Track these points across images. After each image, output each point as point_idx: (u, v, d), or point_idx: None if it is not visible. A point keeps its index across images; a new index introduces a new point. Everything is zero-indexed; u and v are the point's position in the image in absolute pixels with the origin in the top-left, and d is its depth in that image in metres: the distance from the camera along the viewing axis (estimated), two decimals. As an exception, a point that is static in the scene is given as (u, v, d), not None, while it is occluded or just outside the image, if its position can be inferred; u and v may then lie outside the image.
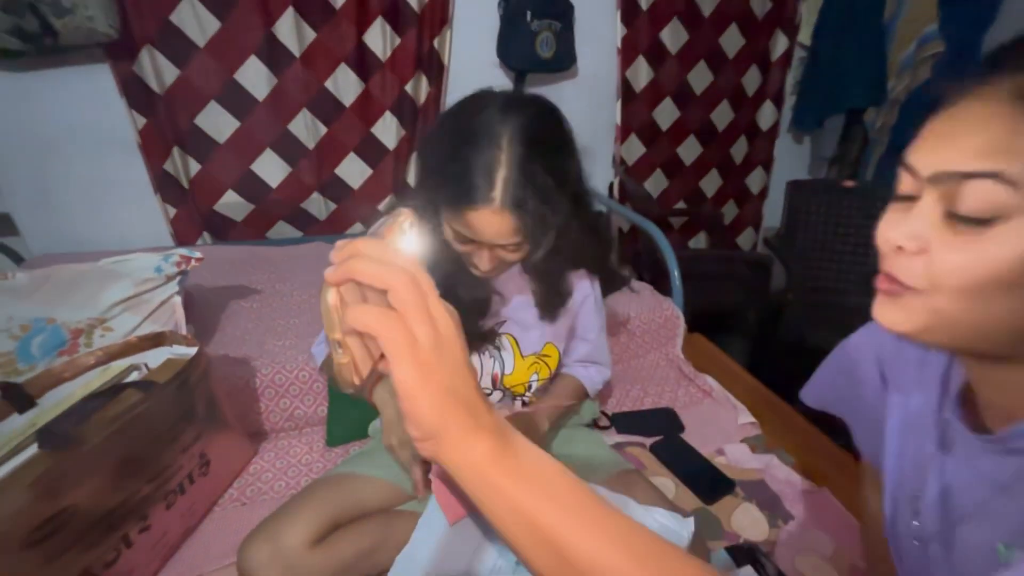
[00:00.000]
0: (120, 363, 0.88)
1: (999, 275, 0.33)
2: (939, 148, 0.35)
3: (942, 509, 0.46)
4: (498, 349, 0.82)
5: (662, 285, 1.46)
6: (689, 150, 2.20)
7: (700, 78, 2.09)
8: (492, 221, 0.62)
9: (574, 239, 0.72)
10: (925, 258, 0.36)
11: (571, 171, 0.68)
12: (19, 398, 0.78)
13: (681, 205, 2.31)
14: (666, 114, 2.09)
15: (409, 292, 0.30)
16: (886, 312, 0.39)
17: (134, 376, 0.85)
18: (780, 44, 2.17)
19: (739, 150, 2.30)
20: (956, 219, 0.34)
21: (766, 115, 2.27)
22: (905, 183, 0.37)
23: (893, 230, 0.37)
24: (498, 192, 0.61)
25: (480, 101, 0.65)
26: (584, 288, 0.86)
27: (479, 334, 0.80)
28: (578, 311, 0.87)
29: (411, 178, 1.86)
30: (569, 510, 0.32)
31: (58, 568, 0.63)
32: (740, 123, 2.25)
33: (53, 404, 0.81)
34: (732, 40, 2.09)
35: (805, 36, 2.17)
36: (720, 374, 1.26)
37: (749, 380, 1.23)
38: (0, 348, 0.93)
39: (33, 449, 0.69)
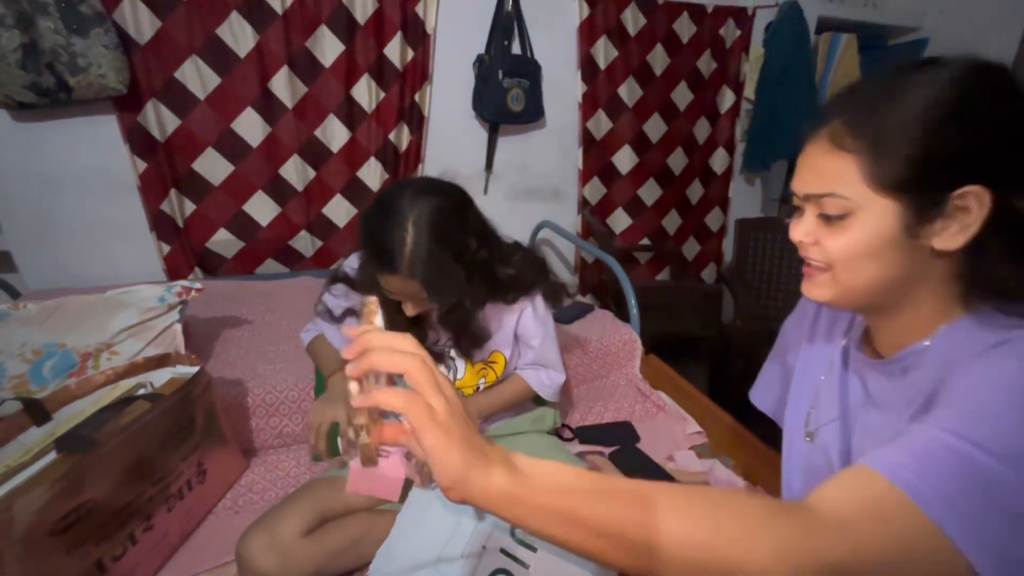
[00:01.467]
0: (128, 382, 0.97)
1: (862, 248, 0.49)
2: (802, 177, 0.52)
3: (841, 423, 0.61)
4: (452, 359, 0.96)
5: (624, 313, 1.61)
6: (649, 191, 2.41)
7: (655, 128, 2.32)
8: (401, 284, 0.78)
9: (484, 283, 0.86)
10: (819, 246, 0.52)
11: (470, 245, 0.82)
12: (38, 412, 0.87)
13: (646, 242, 2.49)
14: (625, 159, 2.30)
15: (422, 373, 0.38)
16: (810, 289, 0.55)
17: (141, 392, 0.95)
18: (728, 98, 2.43)
19: (695, 191, 2.52)
20: (826, 219, 0.51)
21: (719, 160, 2.51)
22: (795, 200, 0.54)
23: (794, 231, 0.54)
24: (404, 265, 0.75)
25: (399, 188, 0.80)
26: (514, 309, 0.98)
27: (433, 352, 0.94)
28: (517, 324, 0.98)
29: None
30: (580, 492, 0.39)
31: (75, 558, 0.71)
32: (695, 167, 2.47)
33: (67, 418, 0.90)
34: (682, 95, 2.33)
35: (750, 91, 2.44)
36: (672, 391, 1.39)
37: (697, 395, 1.36)
38: (14, 371, 1.01)
39: (51, 456, 0.78)
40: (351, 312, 0.95)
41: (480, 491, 0.37)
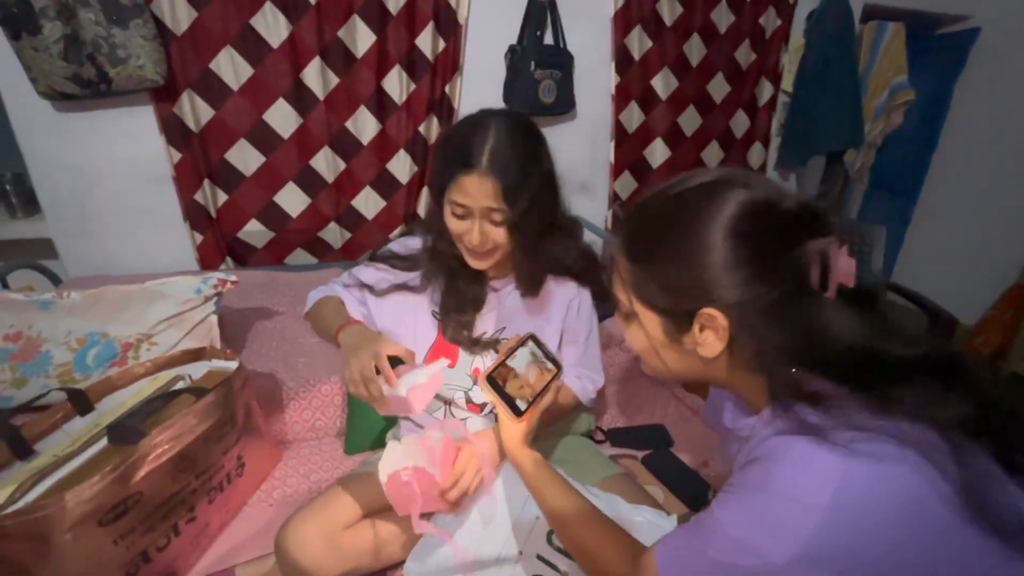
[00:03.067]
0: (166, 373, 0.99)
1: (640, 345, 0.60)
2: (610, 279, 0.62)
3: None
4: (496, 352, 0.94)
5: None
6: (681, 186, 2.35)
7: (690, 121, 2.26)
8: (477, 185, 0.78)
9: (549, 213, 0.87)
10: (625, 335, 0.62)
11: (545, 161, 0.84)
12: (81, 402, 0.88)
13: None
14: (658, 153, 2.25)
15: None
16: (643, 367, 0.65)
17: (180, 385, 0.96)
18: (766, 91, 2.35)
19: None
20: (621, 315, 0.61)
21: (756, 155, 2.43)
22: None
23: (616, 317, 0.64)
24: (485, 159, 0.77)
25: (478, 111, 0.85)
26: (571, 290, 0.98)
27: (479, 340, 0.93)
28: (565, 314, 0.98)
29: (421, 209, 2.00)
30: (553, 483, 0.70)
31: (122, 548, 0.72)
32: (731, 162, 2.41)
33: (109, 409, 0.91)
34: (719, 87, 2.26)
35: (788, 83, 2.35)
36: (704, 393, 1.35)
37: (733, 399, 1.33)
38: (60, 359, 1.04)
39: (99, 446, 0.80)
40: (400, 287, 0.95)
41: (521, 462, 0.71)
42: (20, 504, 0.68)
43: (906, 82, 2.34)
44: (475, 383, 0.95)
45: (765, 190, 0.52)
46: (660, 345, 0.58)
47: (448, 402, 0.96)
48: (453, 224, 0.83)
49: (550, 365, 0.78)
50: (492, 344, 0.94)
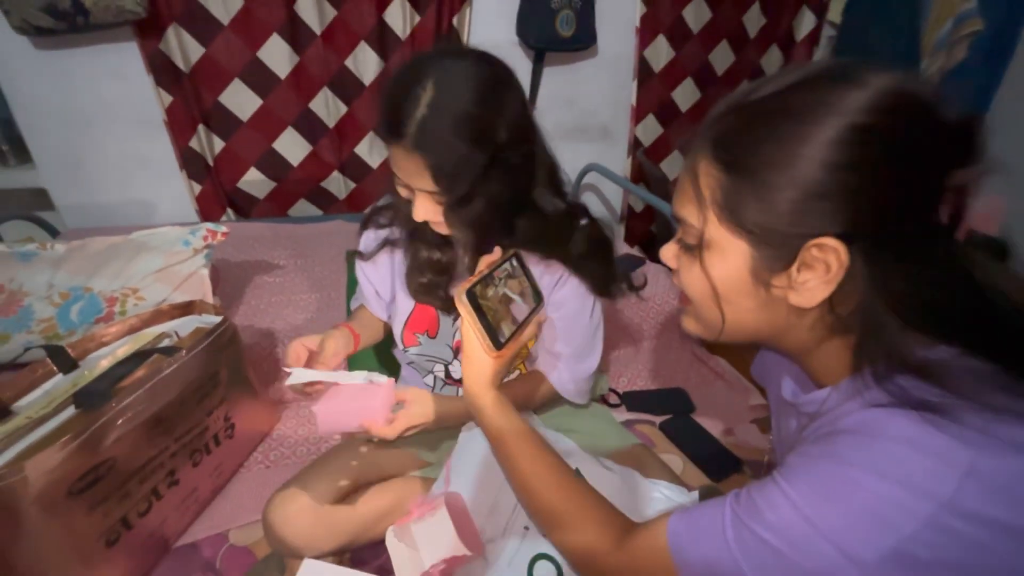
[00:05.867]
0: (153, 330, 0.92)
1: (707, 286, 0.45)
2: (675, 195, 0.48)
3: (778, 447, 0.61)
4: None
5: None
6: (710, 132, 2.17)
7: (722, 57, 2.05)
8: (404, 159, 0.62)
9: (509, 194, 0.69)
10: (678, 275, 0.48)
11: (498, 131, 0.63)
12: (63, 360, 0.83)
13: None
14: (687, 95, 2.06)
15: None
16: (684, 321, 0.52)
17: (166, 343, 0.90)
18: (807, 23, 2.11)
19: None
20: (683, 246, 0.47)
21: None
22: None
23: (662, 252, 0.50)
24: (410, 130, 0.60)
25: (432, 49, 0.66)
26: (556, 271, 0.78)
27: (449, 298, 0.80)
28: (556, 284, 0.79)
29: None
30: (522, 436, 0.59)
31: (98, 515, 0.68)
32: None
33: (96, 366, 0.86)
34: (754, 19, 2.03)
35: (835, 14, 2.10)
36: (733, 357, 1.26)
37: (761, 363, 1.23)
38: (42, 314, 0.98)
39: (70, 411, 0.74)
40: (388, 242, 0.84)
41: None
42: (-14, 470, 0.63)
43: (975, 8, 2.07)
44: (456, 356, 0.85)
45: (913, 83, 0.38)
46: (736, 287, 0.44)
47: (431, 376, 0.88)
48: (400, 191, 0.69)
49: (532, 294, 0.66)
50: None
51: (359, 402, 0.69)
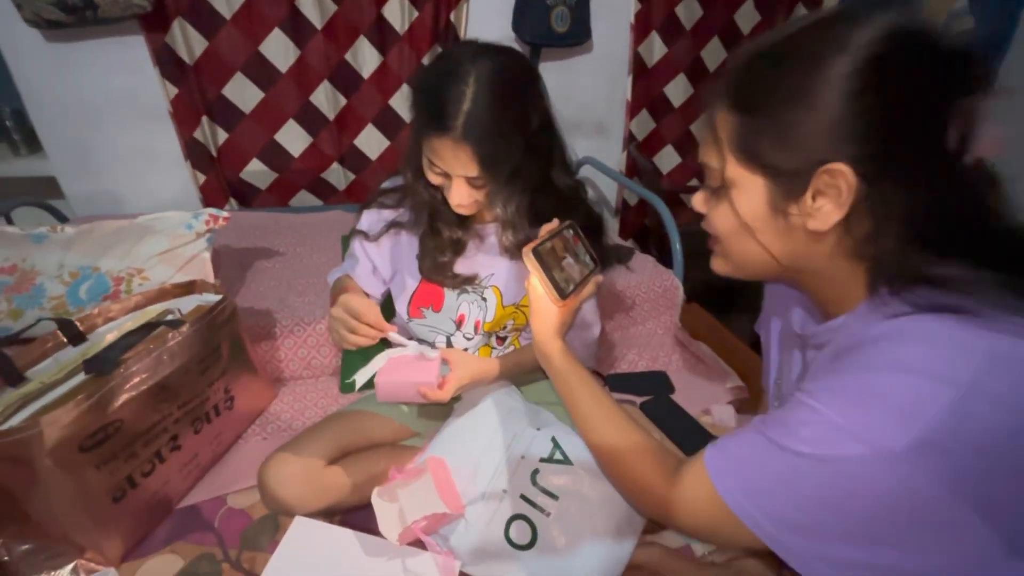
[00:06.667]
0: (156, 307, 0.97)
1: (734, 223, 0.50)
2: (701, 145, 0.52)
3: (779, 389, 0.65)
4: (484, 300, 0.89)
5: (667, 259, 1.50)
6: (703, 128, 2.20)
7: (714, 54, 2.08)
8: (451, 150, 0.69)
9: (537, 177, 0.77)
10: (707, 219, 0.53)
11: (533, 119, 0.73)
12: (73, 333, 0.88)
13: (694, 182, 2.32)
14: (679, 90, 2.09)
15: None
16: (713, 262, 0.56)
17: (169, 319, 0.95)
18: (801, 20, 2.14)
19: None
20: (708, 190, 0.52)
21: (784, 93, 2.25)
22: None
23: (693, 200, 0.55)
24: (459, 122, 0.67)
25: (463, 44, 0.72)
26: None
27: (461, 277, 0.87)
28: None
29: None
30: (585, 382, 0.65)
31: (106, 472, 0.73)
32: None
33: (102, 339, 0.91)
34: (748, 16, 2.07)
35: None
36: (714, 342, 1.31)
37: (741, 348, 1.27)
38: (53, 292, 1.04)
39: (81, 376, 0.80)
40: (394, 224, 0.89)
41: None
42: (3, 427, 0.68)
43: (966, 7, 2.09)
44: (458, 328, 0.91)
45: (917, 19, 0.41)
46: (758, 220, 0.48)
47: (431, 346, 0.93)
48: (432, 177, 0.76)
49: (588, 259, 0.71)
50: (471, 280, 0.88)
51: (414, 372, 0.74)
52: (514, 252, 0.85)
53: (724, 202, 0.50)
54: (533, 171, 0.75)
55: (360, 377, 0.75)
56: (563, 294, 0.64)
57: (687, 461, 0.54)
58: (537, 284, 0.65)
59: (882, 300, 0.45)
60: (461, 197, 0.74)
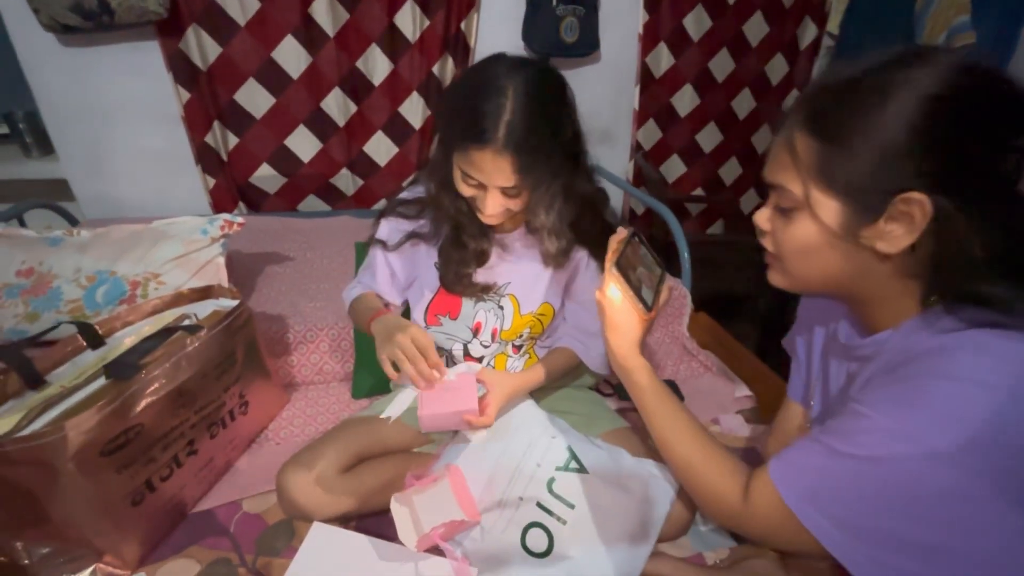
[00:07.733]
0: (173, 311, 0.98)
1: (802, 244, 0.52)
2: (768, 163, 0.55)
3: (824, 398, 0.68)
4: (501, 308, 0.90)
5: (674, 267, 1.52)
6: (709, 137, 2.22)
7: (722, 65, 2.11)
8: (492, 161, 0.70)
9: (572, 199, 0.79)
10: (771, 236, 0.56)
11: (567, 129, 0.75)
12: (92, 337, 0.89)
13: (698, 192, 2.33)
14: (685, 100, 2.11)
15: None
16: (771, 275, 0.59)
17: (186, 323, 0.96)
18: (809, 32, 2.16)
19: (762, 139, 2.31)
20: (778, 210, 0.54)
21: (791, 104, 2.28)
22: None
23: (756, 216, 0.58)
24: (501, 134, 0.68)
25: (494, 59, 0.74)
26: (580, 250, 0.89)
27: (479, 285, 0.88)
28: (574, 272, 0.91)
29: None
30: (667, 399, 0.66)
31: (126, 476, 0.74)
32: (764, 112, 2.26)
33: (120, 343, 0.92)
34: (757, 28, 2.09)
35: (834, 26, 2.15)
36: (721, 351, 1.31)
37: (749, 357, 1.28)
38: (70, 295, 1.04)
39: (102, 380, 0.80)
40: (414, 235, 0.90)
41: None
42: (27, 431, 0.69)
43: (968, 23, 2.12)
44: (475, 336, 0.92)
45: (983, 60, 0.45)
46: (828, 240, 0.50)
47: (448, 354, 0.94)
48: (464, 189, 0.77)
49: (655, 266, 0.70)
50: (488, 289, 0.89)
51: (454, 401, 0.75)
52: (559, 259, 0.86)
53: (795, 222, 0.52)
54: (565, 178, 0.77)
55: (392, 412, 0.76)
56: (648, 307, 0.63)
57: (755, 473, 0.57)
58: (615, 298, 0.63)
59: (935, 316, 0.49)
60: (495, 207, 0.75)
